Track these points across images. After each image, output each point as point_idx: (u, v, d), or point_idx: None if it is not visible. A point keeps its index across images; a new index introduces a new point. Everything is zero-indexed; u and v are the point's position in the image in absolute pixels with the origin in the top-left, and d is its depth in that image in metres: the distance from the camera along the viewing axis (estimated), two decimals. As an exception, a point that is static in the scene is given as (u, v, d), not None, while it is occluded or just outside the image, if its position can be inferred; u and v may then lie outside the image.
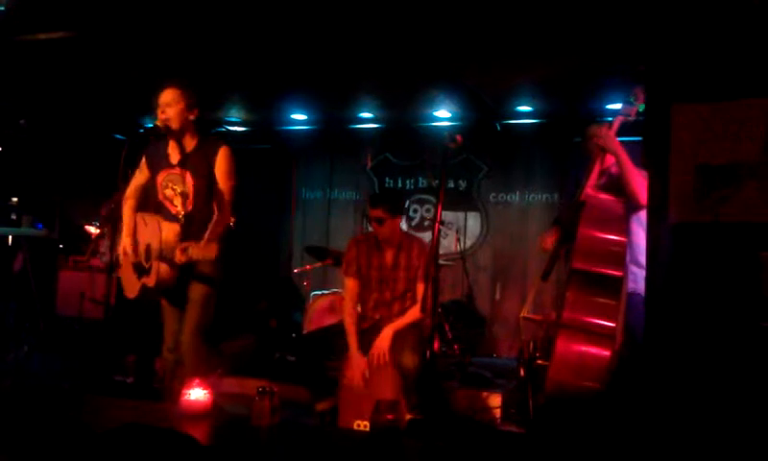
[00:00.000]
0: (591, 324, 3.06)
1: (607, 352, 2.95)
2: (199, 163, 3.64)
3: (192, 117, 3.67)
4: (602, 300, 3.10)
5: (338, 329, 4.31)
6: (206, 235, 3.49)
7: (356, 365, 4.13)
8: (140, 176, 3.86)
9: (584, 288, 3.12)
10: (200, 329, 3.66)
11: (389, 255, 4.32)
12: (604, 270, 3.10)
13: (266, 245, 8.35)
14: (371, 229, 4.39)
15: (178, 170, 3.68)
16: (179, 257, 3.40)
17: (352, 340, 4.21)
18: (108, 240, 3.91)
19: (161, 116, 3.62)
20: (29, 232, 6.61)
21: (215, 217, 3.58)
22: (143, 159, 3.84)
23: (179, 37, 5.26)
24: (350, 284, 4.40)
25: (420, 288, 4.12)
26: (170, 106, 3.62)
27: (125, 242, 3.75)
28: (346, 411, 4.11)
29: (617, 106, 6.31)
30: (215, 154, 3.63)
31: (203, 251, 3.39)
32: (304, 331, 5.84)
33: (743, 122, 2.26)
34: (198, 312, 3.65)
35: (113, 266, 3.89)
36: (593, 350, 2.98)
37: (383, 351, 4.09)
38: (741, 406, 2.15)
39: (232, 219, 4.67)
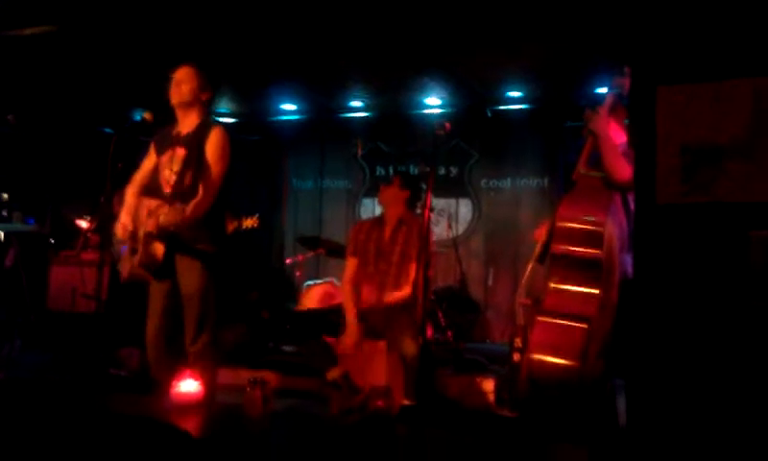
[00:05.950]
0: (567, 308, 3.07)
1: (581, 333, 2.96)
2: (192, 142, 3.58)
3: (204, 98, 3.66)
4: (580, 283, 3.10)
5: (334, 310, 4.36)
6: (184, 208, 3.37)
7: (351, 332, 4.23)
8: (147, 162, 3.81)
9: (562, 271, 3.13)
10: (204, 325, 3.53)
11: (387, 231, 4.43)
12: (581, 251, 3.10)
13: (257, 235, 8.27)
14: (363, 217, 4.42)
15: (175, 149, 3.63)
16: (150, 223, 3.40)
17: (351, 314, 4.29)
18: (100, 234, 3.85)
19: (175, 92, 3.62)
20: (20, 228, 6.59)
21: (198, 197, 3.45)
22: (152, 145, 3.80)
23: (165, 29, 5.23)
24: (350, 263, 4.50)
25: (412, 269, 4.16)
26: (185, 82, 3.62)
27: (124, 220, 3.66)
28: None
29: (606, 90, 6.28)
30: (208, 134, 3.56)
31: (169, 215, 3.33)
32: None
33: (728, 102, 2.26)
34: (197, 306, 3.53)
35: (108, 244, 3.82)
36: (567, 332, 3.00)
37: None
38: (733, 386, 2.16)
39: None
